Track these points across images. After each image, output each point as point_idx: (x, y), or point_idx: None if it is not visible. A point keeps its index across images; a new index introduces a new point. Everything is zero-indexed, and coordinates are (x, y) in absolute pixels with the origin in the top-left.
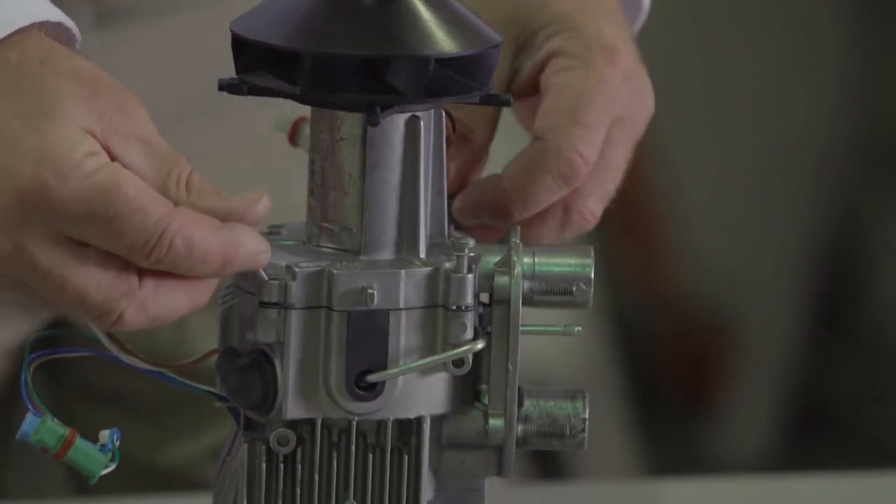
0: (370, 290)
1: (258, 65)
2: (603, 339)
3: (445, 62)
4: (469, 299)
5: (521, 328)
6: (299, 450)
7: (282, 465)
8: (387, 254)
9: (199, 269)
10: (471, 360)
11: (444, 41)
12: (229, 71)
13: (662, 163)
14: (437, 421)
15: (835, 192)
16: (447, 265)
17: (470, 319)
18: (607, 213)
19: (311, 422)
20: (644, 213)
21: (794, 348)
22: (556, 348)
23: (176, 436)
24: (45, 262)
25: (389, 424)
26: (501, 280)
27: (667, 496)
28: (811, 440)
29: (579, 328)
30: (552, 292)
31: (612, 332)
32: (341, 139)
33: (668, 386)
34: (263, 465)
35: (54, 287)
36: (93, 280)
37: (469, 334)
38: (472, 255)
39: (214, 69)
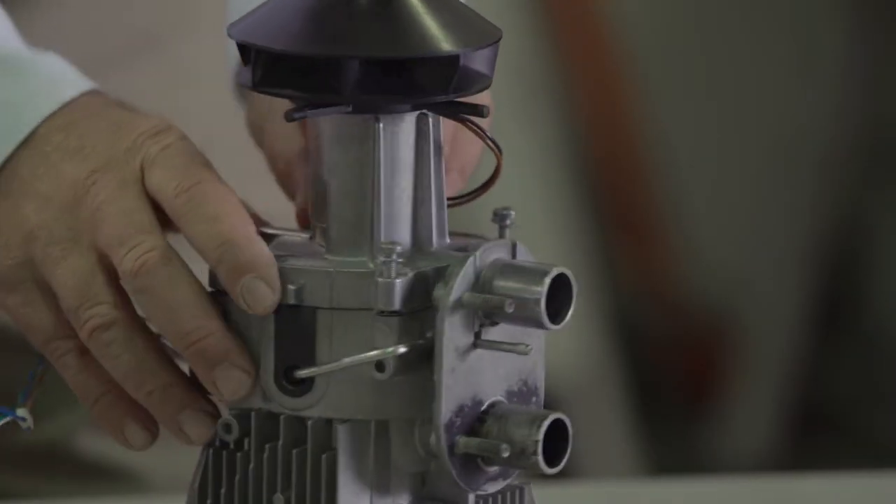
0: (291, 287)
1: (291, 78)
2: (603, 339)
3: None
4: (395, 304)
5: (484, 341)
6: (246, 441)
7: (225, 454)
8: (347, 254)
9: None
10: (392, 366)
11: (462, 38)
12: None
13: (663, 163)
14: (409, 426)
15: (836, 192)
16: (372, 268)
17: (394, 325)
18: (608, 213)
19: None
20: (644, 213)
21: (794, 348)
22: (556, 348)
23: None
24: None
25: (309, 423)
26: (437, 290)
27: (667, 496)
28: (811, 440)
29: (530, 347)
30: (503, 310)
31: (612, 332)
32: (318, 138)
33: (669, 386)
34: (211, 452)
35: None
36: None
37: (392, 340)
38: (401, 260)
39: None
